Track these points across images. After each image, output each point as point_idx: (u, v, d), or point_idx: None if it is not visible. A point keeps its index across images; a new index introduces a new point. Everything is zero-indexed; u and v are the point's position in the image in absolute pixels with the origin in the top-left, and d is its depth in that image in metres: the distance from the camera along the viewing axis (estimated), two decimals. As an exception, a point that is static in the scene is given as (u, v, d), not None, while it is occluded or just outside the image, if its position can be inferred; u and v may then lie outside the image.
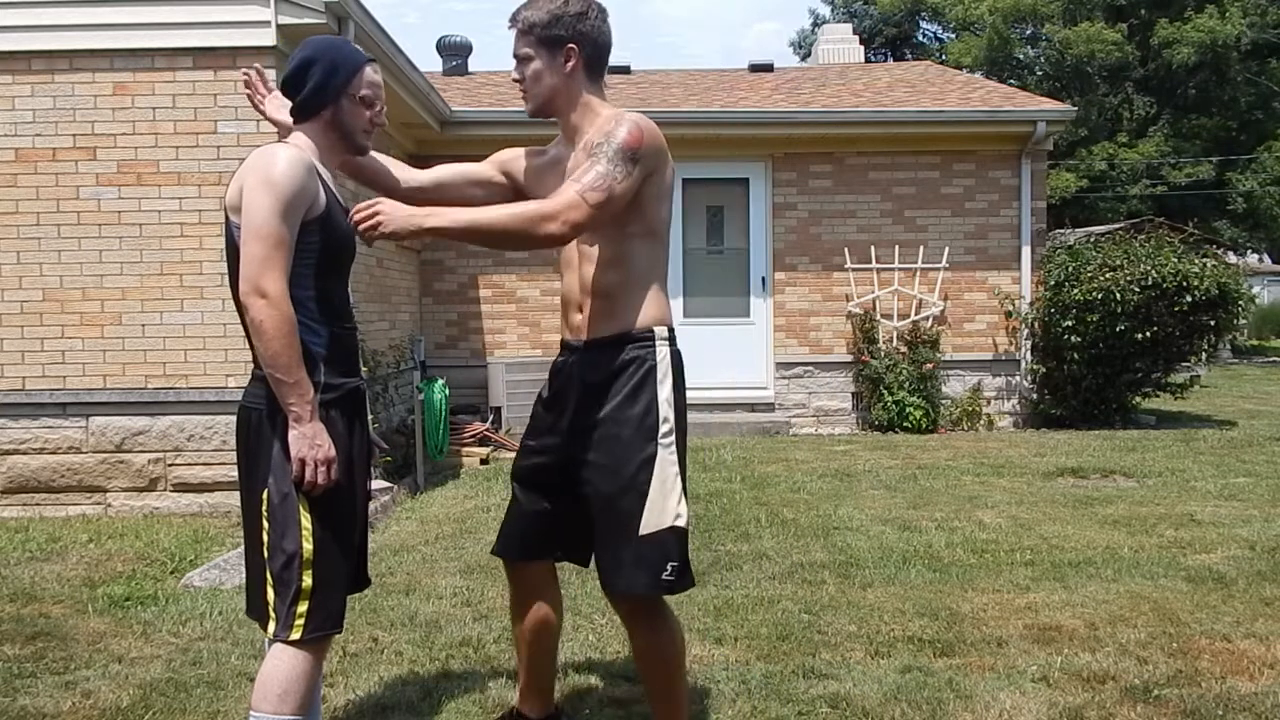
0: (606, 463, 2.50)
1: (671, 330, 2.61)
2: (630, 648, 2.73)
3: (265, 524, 2.35)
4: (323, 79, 2.46)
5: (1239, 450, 8.29)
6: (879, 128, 10.01)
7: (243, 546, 2.53)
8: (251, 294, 2.26)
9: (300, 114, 2.51)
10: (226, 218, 2.40)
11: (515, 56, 2.59)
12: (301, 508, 2.33)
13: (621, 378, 2.51)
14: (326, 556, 2.36)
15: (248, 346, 2.39)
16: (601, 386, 2.52)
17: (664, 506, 2.48)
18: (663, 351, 2.55)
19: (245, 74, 2.80)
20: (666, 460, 2.50)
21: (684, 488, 2.54)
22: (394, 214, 2.34)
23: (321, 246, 2.40)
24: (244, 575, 2.54)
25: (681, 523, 2.51)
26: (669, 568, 2.48)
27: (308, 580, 2.33)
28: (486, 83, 11.64)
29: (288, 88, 2.51)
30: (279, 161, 2.31)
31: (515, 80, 2.62)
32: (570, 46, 2.53)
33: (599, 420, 2.52)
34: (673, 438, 2.52)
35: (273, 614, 2.35)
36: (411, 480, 7.14)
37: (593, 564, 2.68)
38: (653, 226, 2.55)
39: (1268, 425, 10.06)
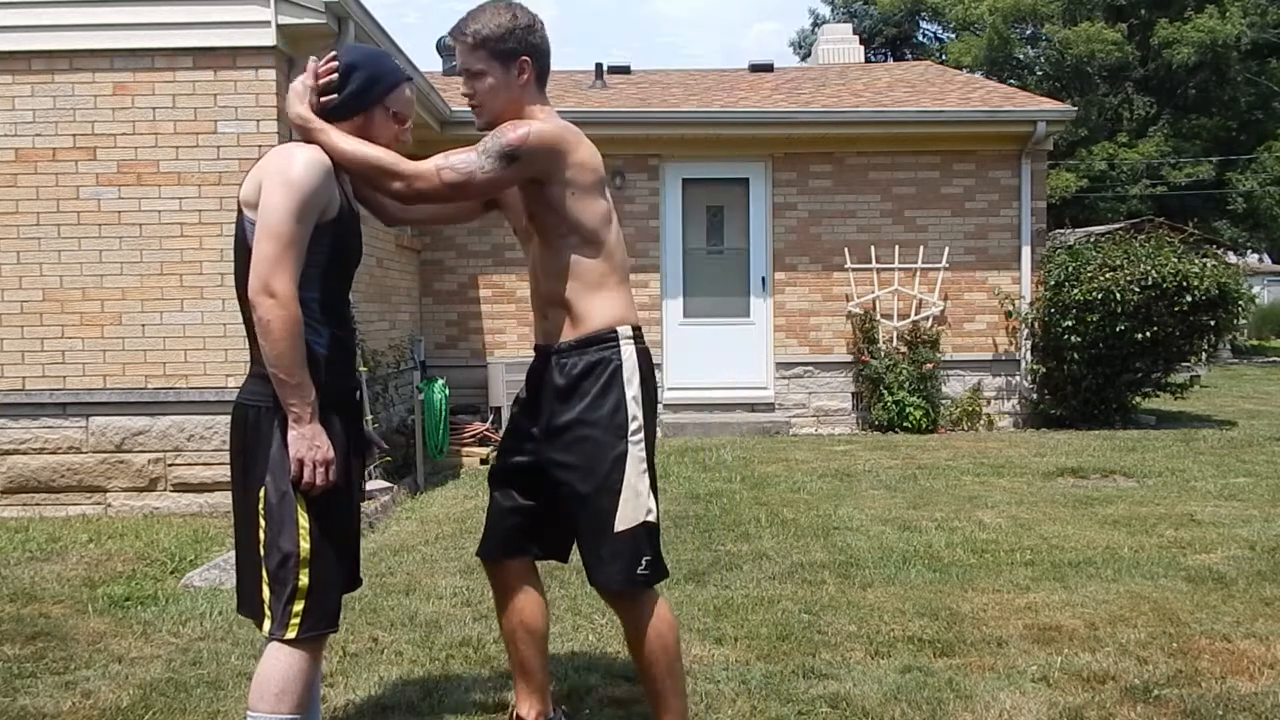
0: (581, 463, 2.56)
1: (636, 329, 2.65)
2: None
3: (262, 522, 2.35)
4: (364, 85, 2.48)
5: (1239, 450, 8.29)
6: (879, 128, 10.01)
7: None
8: (260, 293, 2.27)
9: (332, 115, 2.50)
10: (240, 212, 2.40)
11: (466, 71, 2.61)
12: (299, 507, 2.34)
13: (589, 379, 2.57)
14: (323, 556, 2.36)
15: (248, 345, 2.40)
16: (570, 389, 2.58)
17: (636, 503, 2.55)
18: (628, 351, 2.60)
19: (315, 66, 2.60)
20: (636, 457, 2.56)
21: (653, 483, 2.60)
22: (301, 114, 2.45)
23: (331, 250, 2.41)
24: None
25: (652, 518, 2.58)
26: (643, 562, 2.56)
27: (304, 579, 2.33)
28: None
29: (326, 88, 2.51)
30: (298, 163, 2.32)
31: (465, 95, 2.64)
32: (524, 59, 2.57)
33: (571, 422, 2.58)
34: (641, 435, 2.58)
35: (268, 612, 2.35)
36: (411, 480, 7.14)
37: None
38: (589, 233, 2.59)
39: (1268, 425, 10.06)
